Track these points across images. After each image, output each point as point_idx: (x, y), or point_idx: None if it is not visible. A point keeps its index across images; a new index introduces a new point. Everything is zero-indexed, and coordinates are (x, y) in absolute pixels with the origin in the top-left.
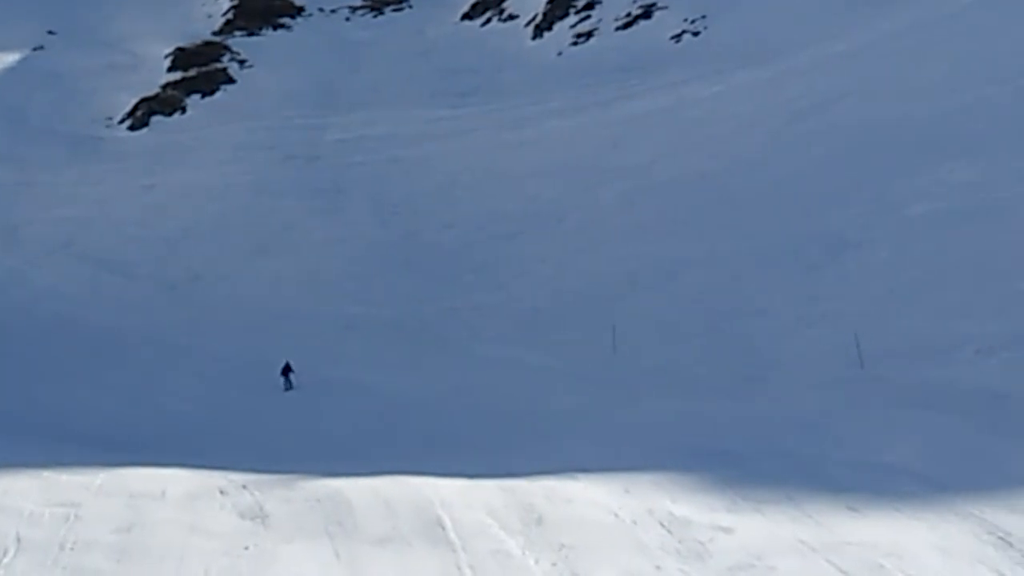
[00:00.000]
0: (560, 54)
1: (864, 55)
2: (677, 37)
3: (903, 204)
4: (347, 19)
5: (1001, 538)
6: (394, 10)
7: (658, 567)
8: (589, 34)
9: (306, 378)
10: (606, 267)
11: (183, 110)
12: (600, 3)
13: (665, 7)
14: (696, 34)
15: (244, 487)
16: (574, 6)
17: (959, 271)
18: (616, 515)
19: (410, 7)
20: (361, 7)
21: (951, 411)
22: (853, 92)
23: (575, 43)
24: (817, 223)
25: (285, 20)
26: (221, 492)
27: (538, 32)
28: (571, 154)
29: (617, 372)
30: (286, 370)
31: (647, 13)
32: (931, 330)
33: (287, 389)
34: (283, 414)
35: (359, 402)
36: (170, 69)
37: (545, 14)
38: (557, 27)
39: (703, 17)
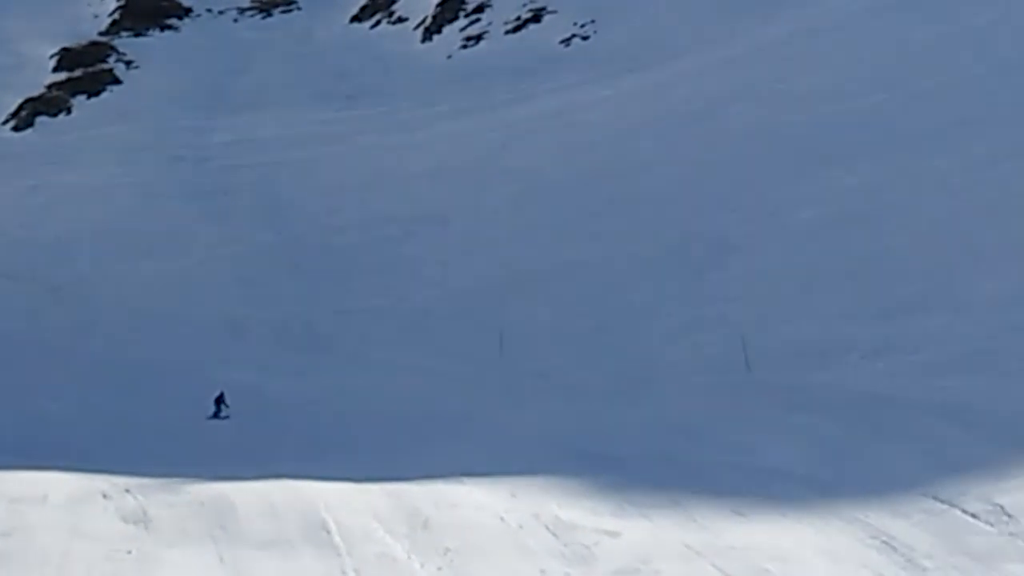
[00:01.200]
0: (450, 57)
1: (753, 60)
2: (567, 41)
3: (789, 209)
4: (235, 20)
5: (885, 542)
6: (283, 11)
7: (543, 571)
8: (479, 37)
9: (194, 384)
10: (494, 269)
11: (68, 111)
12: (490, 6)
13: (555, 11)
14: (585, 38)
15: (127, 491)
16: (464, 9)
17: (844, 276)
18: (502, 519)
19: (299, 9)
20: (249, 8)
21: (836, 415)
22: (741, 97)
23: (465, 46)
24: (704, 227)
25: (172, 21)
26: (104, 496)
27: (427, 35)
28: (460, 157)
29: (504, 375)
30: (219, 400)
31: (537, 17)
32: (816, 334)
33: (214, 417)
34: (166, 417)
35: (244, 405)
36: (55, 69)
37: (435, 17)
38: (447, 30)
39: (592, 21)
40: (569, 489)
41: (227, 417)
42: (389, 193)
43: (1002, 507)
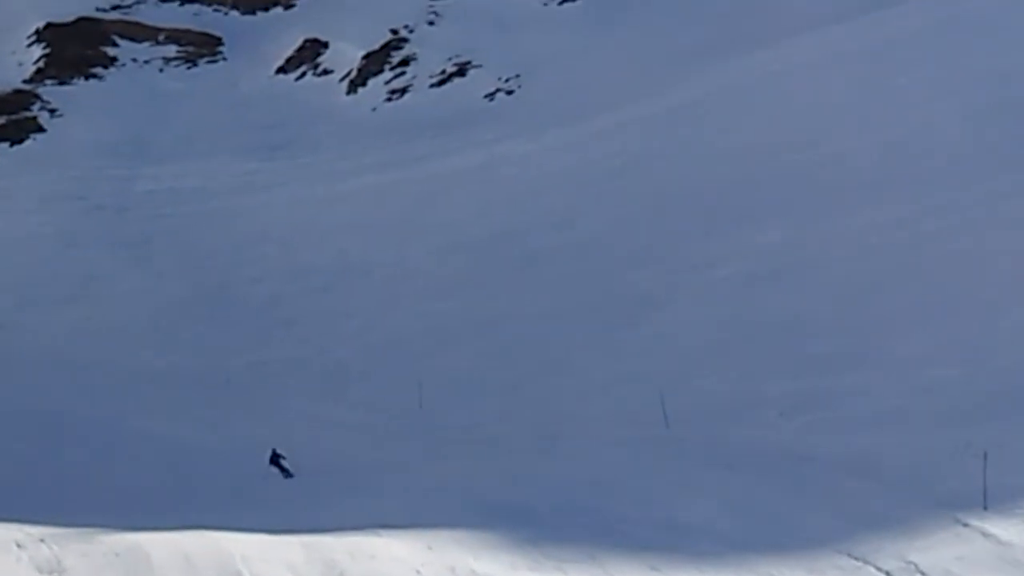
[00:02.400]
0: (374, 110)
1: (673, 119)
2: (491, 95)
3: (706, 265)
4: (160, 70)
5: None
6: (208, 62)
7: None
8: (404, 90)
9: (109, 432)
10: (414, 322)
11: None
12: (416, 60)
13: (480, 66)
14: (510, 93)
15: (42, 540)
16: (389, 62)
17: (763, 332)
18: (418, 572)
19: (224, 60)
20: (175, 58)
21: (753, 472)
22: (660, 154)
23: (390, 99)
24: (623, 283)
25: (98, 70)
26: (18, 545)
27: (353, 87)
28: (383, 209)
29: (423, 428)
30: (275, 458)
31: (462, 71)
32: (735, 391)
33: (286, 476)
34: (82, 467)
35: (160, 455)
36: None
37: (360, 70)
38: (372, 83)
39: (517, 76)
40: (486, 542)
41: (290, 474)
42: (311, 244)
43: (916, 564)
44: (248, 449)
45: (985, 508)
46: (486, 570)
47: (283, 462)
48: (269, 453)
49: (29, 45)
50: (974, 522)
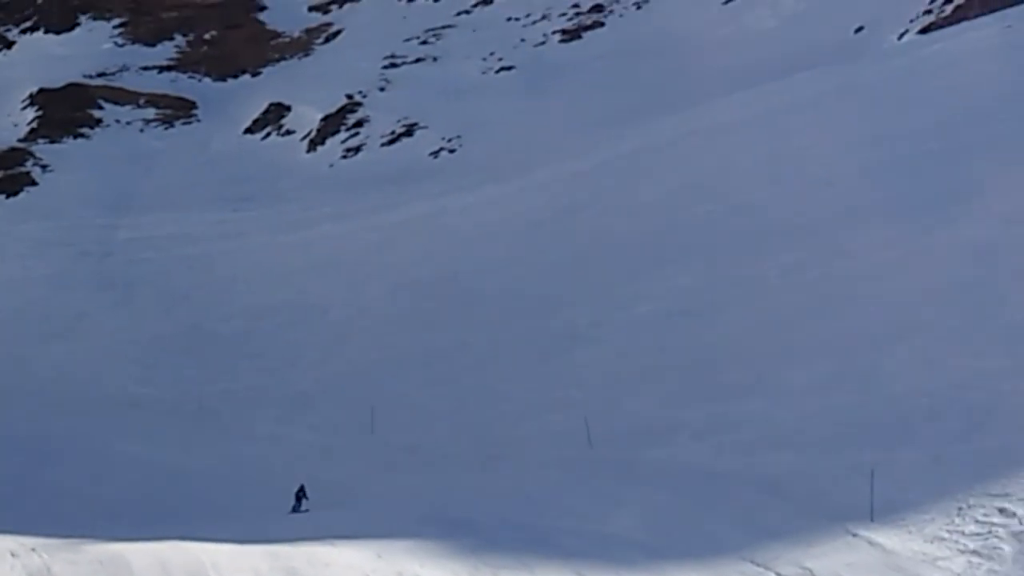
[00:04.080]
0: (332, 166)
1: (599, 174)
2: (435, 153)
3: (629, 304)
4: (141, 130)
5: None
6: (183, 123)
7: None
8: (358, 149)
9: (94, 452)
10: (368, 355)
11: None
12: (368, 122)
13: (426, 127)
14: (452, 151)
15: (33, 550)
16: (345, 124)
17: (676, 364)
18: None
19: (198, 121)
20: (154, 120)
21: (669, 487)
22: (588, 205)
23: (345, 156)
24: (554, 319)
25: (85, 130)
26: (12, 555)
27: (312, 146)
28: (340, 254)
29: (375, 449)
30: (300, 494)
31: (409, 131)
32: (652, 415)
33: (295, 511)
34: (70, 485)
35: (141, 473)
36: None
37: (319, 130)
38: (329, 142)
39: (459, 136)
40: (431, 551)
41: (307, 511)
42: (275, 286)
43: (811, 570)
44: (218, 468)
45: (872, 520)
46: (430, 575)
47: (303, 500)
48: (298, 487)
49: (23, 108)
50: (862, 532)
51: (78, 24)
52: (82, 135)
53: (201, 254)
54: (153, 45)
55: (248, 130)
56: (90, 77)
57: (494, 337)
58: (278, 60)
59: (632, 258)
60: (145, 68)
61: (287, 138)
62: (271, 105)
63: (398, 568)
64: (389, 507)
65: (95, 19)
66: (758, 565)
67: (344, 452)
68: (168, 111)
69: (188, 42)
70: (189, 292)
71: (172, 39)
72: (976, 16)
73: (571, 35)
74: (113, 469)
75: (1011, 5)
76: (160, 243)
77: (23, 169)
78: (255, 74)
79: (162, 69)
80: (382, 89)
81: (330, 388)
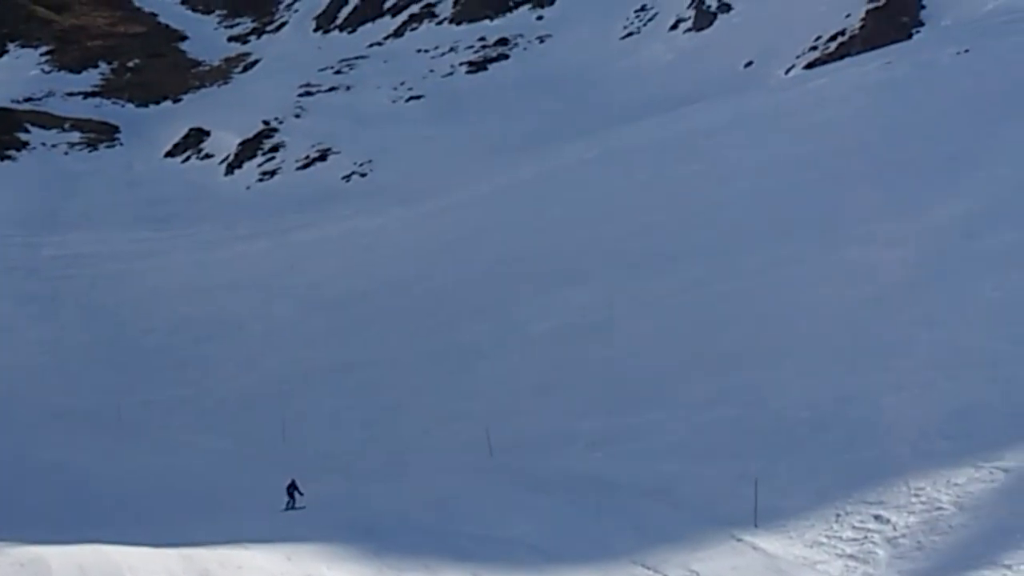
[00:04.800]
0: (248, 188)
1: (502, 197)
2: (348, 177)
3: (530, 321)
4: (66, 153)
5: None
6: (107, 146)
7: None
8: (274, 172)
9: (16, 460)
10: (282, 368)
11: None
12: (284, 147)
13: (338, 152)
14: (364, 175)
15: None
16: (261, 149)
17: (575, 378)
18: None
19: (121, 145)
20: (78, 143)
21: (563, 494)
22: (492, 227)
23: (262, 179)
24: (458, 336)
25: (12, 152)
26: None
27: (230, 169)
28: (255, 272)
29: (286, 457)
30: (292, 488)
31: (323, 156)
32: (550, 426)
33: (289, 508)
34: None
35: (62, 481)
36: None
37: (237, 154)
38: (247, 165)
39: (370, 161)
40: (337, 554)
41: (303, 507)
42: (193, 301)
43: (697, 573)
44: (135, 475)
45: (756, 526)
46: None
47: (297, 496)
48: (288, 481)
49: None
50: (747, 537)
51: (6, 51)
52: (9, 157)
53: (123, 271)
54: (78, 72)
55: (169, 154)
56: (17, 102)
57: (401, 352)
58: (198, 88)
59: (534, 277)
60: (70, 94)
61: (206, 162)
62: (191, 130)
63: (307, 570)
64: (299, 512)
65: (23, 47)
66: (647, 568)
67: (256, 460)
68: (92, 135)
69: (112, 70)
70: (111, 307)
71: (97, 67)
72: (858, 53)
73: (477, 67)
74: (35, 476)
75: (891, 43)
76: (84, 260)
77: None
78: (176, 100)
79: (87, 95)
80: (297, 116)
81: (245, 399)
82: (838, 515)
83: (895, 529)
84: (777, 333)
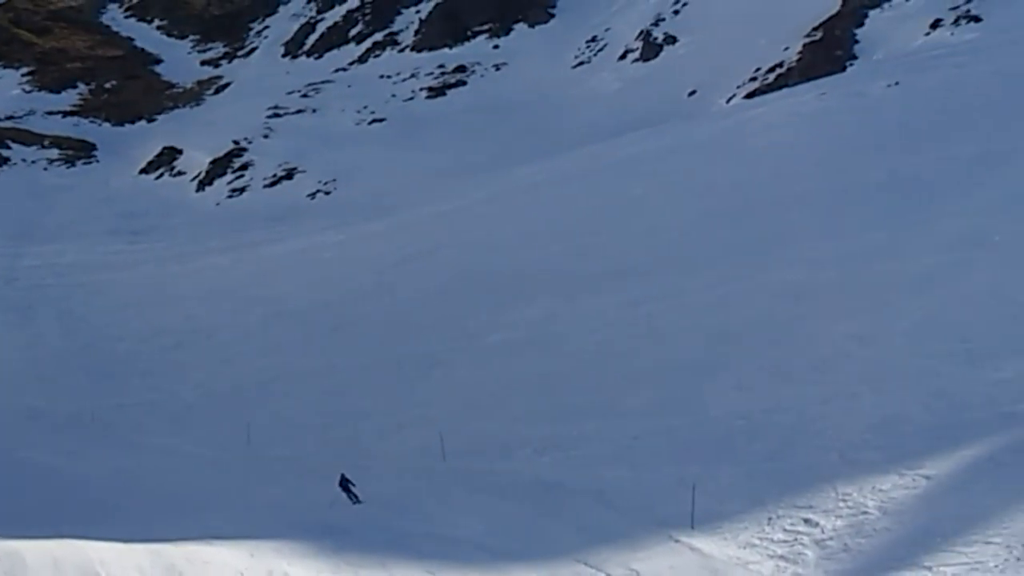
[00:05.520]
0: (218, 204)
1: (458, 216)
2: (313, 195)
3: (483, 333)
4: (45, 169)
5: None
6: (84, 163)
7: None
8: (243, 189)
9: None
10: (248, 375)
11: None
12: (253, 165)
13: (304, 171)
14: (328, 193)
15: None
16: (231, 167)
17: (523, 387)
18: (242, 575)
19: (98, 162)
20: (57, 160)
21: (512, 497)
22: (448, 244)
23: (231, 196)
24: (415, 346)
25: None
26: None
27: (201, 186)
28: (225, 284)
29: (251, 459)
30: (344, 483)
31: (290, 175)
32: (500, 432)
33: (354, 502)
34: None
35: (38, 479)
36: None
37: (208, 172)
38: (217, 183)
39: (334, 180)
40: (298, 551)
41: (362, 502)
42: (165, 311)
43: (637, 571)
44: (108, 474)
45: (692, 528)
46: (297, 573)
47: (352, 488)
48: (338, 477)
49: None
50: (684, 538)
51: None
52: None
53: (98, 281)
54: (58, 92)
55: (143, 170)
56: None
57: (361, 360)
58: (172, 108)
59: (486, 292)
60: (50, 113)
61: (178, 178)
62: (165, 148)
63: (268, 566)
64: (262, 512)
65: (5, 67)
66: (590, 566)
67: (223, 462)
68: (70, 152)
69: (90, 90)
70: (86, 315)
71: (76, 87)
72: (795, 84)
73: (436, 92)
74: (12, 475)
75: (826, 75)
76: (61, 270)
77: None
78: (151, 120)
79: (66, 114)
80: (266, 136)
81: (213, 404)
82: (770, 518)
83: (823, 532)
84: (713, 347)
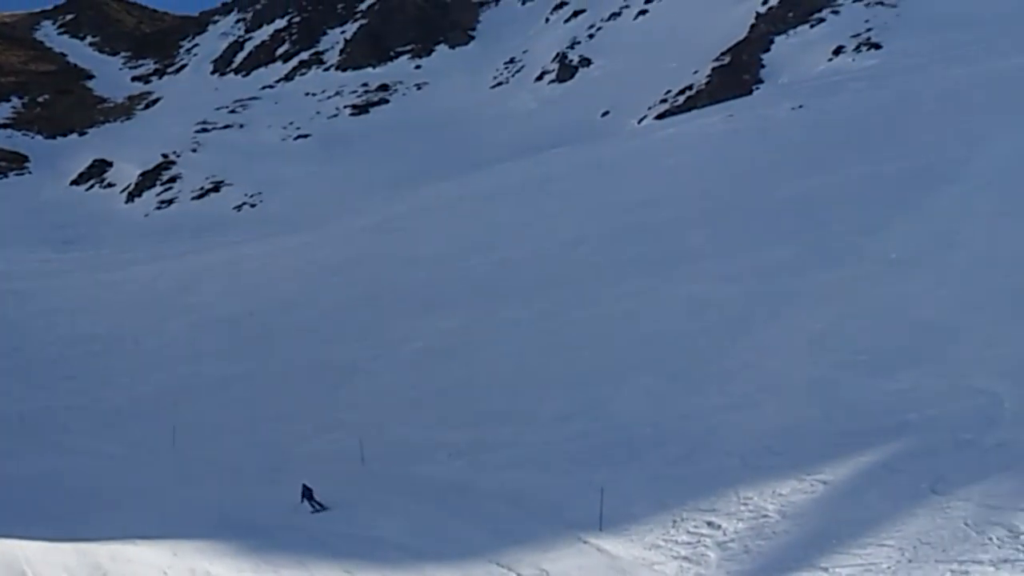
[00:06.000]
0: (147, 215)
1: (380, 229)
2: (239, 207)
3: (403, 341)
4: None
5: None
6: (16, 175)
7: None
8: (171, 201)
9: None
10: (173, 380)
11: None
12: (181, 178)
13: (231, 184)
14: (253, 206)
15: None
16: (160, 179)
17: (440, 394)
18: (165, 573)
19: (30, 173)
20: None
21: (430, 499)
22: (370, 257)
23: (160, 207)
24: (336, 353)
25: None
26: None
27: (131, 198)
28: (152, 292)
29: (175, 461)
30: (307, 493)
31: (217, 188)
32: (418, 437)
33: (315, 511)
34: None
35: None
36: None
37: (137, 184)
38: (146, 194)
39: (259, 193)
40: (220, 550)
41: (327, 508)
42: (93, 317)
43: (547, 571)
44: (35, 476)
45: (600, 530)
46: (218, 571)
47: (315, 497)
48: (301, 488)
49: None
50: (592, 540)
51: None
52: None
53: (27, 288)
54: None
55: (74, 182)
56: None
57: (284, 367)
58: (103, 122)
59: (407, 302)
60: None
61: (108, 190)
62: (95, 161)
63: (191, 565)
64: (185, 512)
65: None
66: (503, 566)
67: (148, 464)
68: (3, 163)
69: (23, 104)
70: (15, 321)
71: (9, 100)
72: (704, 106)
73: (360, 110)
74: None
75: (733, 98)
76: None
77: None
78: (82, 134)
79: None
80: (194, 150)
81: (139, 408)
82: (675, 521)
83: (725, 534)
84: (623, 357)
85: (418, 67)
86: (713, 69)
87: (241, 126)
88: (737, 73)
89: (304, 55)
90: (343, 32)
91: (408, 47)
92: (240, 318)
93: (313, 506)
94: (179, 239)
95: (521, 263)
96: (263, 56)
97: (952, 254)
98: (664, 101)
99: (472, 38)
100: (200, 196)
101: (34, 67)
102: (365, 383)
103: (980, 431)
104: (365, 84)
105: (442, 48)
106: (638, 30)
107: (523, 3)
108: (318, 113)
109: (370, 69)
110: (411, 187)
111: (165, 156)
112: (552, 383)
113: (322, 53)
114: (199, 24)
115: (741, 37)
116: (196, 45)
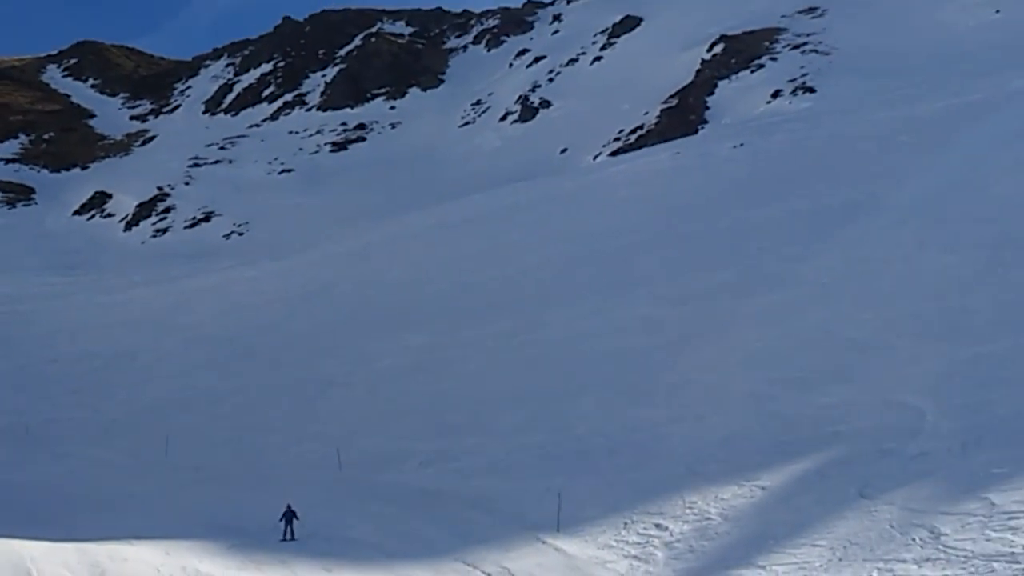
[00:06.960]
0: (144, 243)
1: (357, 256)
2: (228, 236)
3: (375, 358)
4: None
5: None
6: (24, 205)
7: None
8: (165, 230)
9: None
10: (166, 394)
11: None
12: (175, 209)
13: (221, 214)
14: (241, 234)
15: None
16: (156, 210)
17: (410, 407)
18: (159, 571)
19: (36, 204)
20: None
21: (399, 503)
22: (346, 280)
23: (155, 235)
24: (314, 369)
25: None
26: None
27: (128, 227)
28: (147, 313)
29: (168, 468)
30: (288, 515)
31: (207, 218)
32: (390, 446)
33: (285, 539)
34: None
35: None
36: None
37: (134, 214)
38: (143, 224)
39: (247, 223)
40: (209, 549)
41: (292, 538)
42: (93, 336)
43: (509, 569)
44: (38, 482)
45: (558, 531)
46: (207, 569)
47: (294, 522)
48: (285, 508)
49: None
50: (550, 540)
51: None
52: None
53: (32, 310)
54: (1, 142)
55: (76, 212)
56: None
57: (267, 382)
58: (104, 158)
59: (379, 322)
60: None
61: (108, 220)
62: (96, 193)
63: (182, 563)
64: (177, 514)
65: None
66: (468, 565)
67: (143, 471)
68: (11, 195)
69: (30, 140)
70: (21, 340)
71: (17, 137)
72: (654, 144)
73: (339, 147)
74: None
75: (680, 136)
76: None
77: None
78: (84, 168)
79: (8, 161)
80: (187, 183)
81: (135, 419)
82: (625, 523)
83: (672, 535)
84: (578, 373)
85: (393, 108)
86: (662, 111)
87: (230, 161)
88: (684, 114)
89: (288, 96)
90: (324, 76)
91: (383, 89)
92: (228, 337)
93: (285, 534)
94: (173, 265)
95: (485, 286)
96: (251, 97)
97: (878, 280)
98: (617, 139)
99: (442, 81)
100: (192, 225)
101: (40, 107)
102: (341, 397)
103: (903, 441)
104: (344, 123)
105: (415, 91)
106: (594, 75)
107: (489, 50)
108: (300, 150)
109: (348, 109)
110: (385, 217)
111: (160, 189)
112: (513, 397)
113: (305, 95)
114: (192, 68)
115: (688, 81)
116: (189, 87)
